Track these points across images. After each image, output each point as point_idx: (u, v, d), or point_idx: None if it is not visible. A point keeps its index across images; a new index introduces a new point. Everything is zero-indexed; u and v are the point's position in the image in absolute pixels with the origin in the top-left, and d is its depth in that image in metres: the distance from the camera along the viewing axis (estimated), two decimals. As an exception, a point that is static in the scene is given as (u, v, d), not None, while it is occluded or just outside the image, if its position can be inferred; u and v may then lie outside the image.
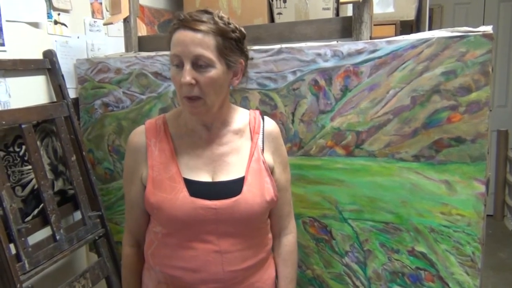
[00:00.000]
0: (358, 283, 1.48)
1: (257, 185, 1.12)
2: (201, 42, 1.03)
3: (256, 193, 1.11)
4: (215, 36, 1.04)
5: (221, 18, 1.07)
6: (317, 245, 1.52)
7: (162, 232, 1.14)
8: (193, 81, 1.03)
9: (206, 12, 1.08)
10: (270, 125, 1.23)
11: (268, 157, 1.19)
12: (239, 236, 1.12)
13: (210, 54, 1.04)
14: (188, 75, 1.02)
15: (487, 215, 1.35)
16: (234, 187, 1.11)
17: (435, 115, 1.31)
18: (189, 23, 1.04)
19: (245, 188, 1.11)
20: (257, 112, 1.24)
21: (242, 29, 1.12)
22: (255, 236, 1.17)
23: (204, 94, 1.05)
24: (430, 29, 2.67)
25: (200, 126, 1.15)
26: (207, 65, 1.04)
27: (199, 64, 1.04)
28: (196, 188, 1.10)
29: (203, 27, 1.04)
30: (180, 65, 1.05)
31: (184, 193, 1.09)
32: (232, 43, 1.09)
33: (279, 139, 1.24)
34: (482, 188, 1.28)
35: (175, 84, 1.08)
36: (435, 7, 4.23)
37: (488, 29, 1.24)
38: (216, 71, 1.05)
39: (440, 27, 1.34)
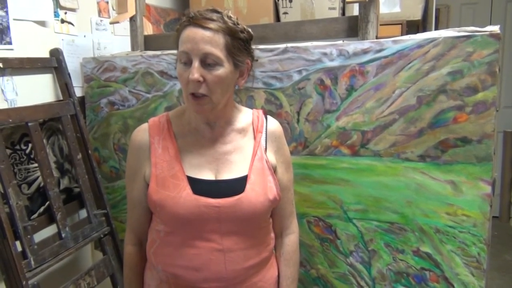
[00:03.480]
0: (362, 283, 1.47)
1: (260, 184, 1.12)
2: (211, 40, 1.03)
3: (259, 192, 1.11)
4: (224, 35, 1.05)
5: (229, 18, 1.08)
6: (321, 244, 1.51)
7: (165, 230, 1.14)
8: (201, 79, 1.03)
9: (216, 11, 1.08)
10: (273, 124, 1.23)
11: (271, 157, 1.19)
12: (242, 235, 1.12)
13: (219, 53, 1.04)
14: (196, 72, 1.03)
15: (493, 217, 1.34)
16: (237, 185, 1.11)
17: (441, 115, 1.31)
18: (199, 21, 1.05)
19: (248, 186, 1.10)
20: (261, 111, 1.24)
21: (250, 30, 1.13)
22: (258, 235, 1.17)
23: (211, 92, 1.06)
24: (436, 29, 2.66)
25: (204, 125, 1.15)
26: (215, 64, 1.04)
27: (207, 62, 1.04)
28: (199, 186, 1.10)
29: (213, 25, 1.04)
30: (188, 62, 1.05)
31: (187, 191, 1.09)
32: (240, 43, 1.09)
33: (282, 139, 1.24)
34: (488, 189, 1.28)
35: (181, 81, 1.08)
36: (442, 7, 4.21)
37: (495, 29, 1.24)
38: (224, 69, 1.06)
39: (446, 27, 1.34)
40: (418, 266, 1.39)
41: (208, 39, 1.03)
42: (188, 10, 1.09)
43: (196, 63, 1.03)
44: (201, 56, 1.03)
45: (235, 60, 1.08)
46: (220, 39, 1.04)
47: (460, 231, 1.32)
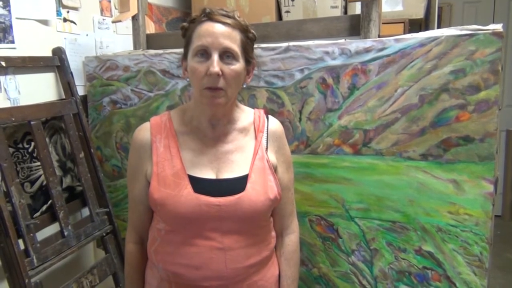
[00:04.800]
0: (364, 282, 1.47)
1: (261, 183, 1.13)
2: (230, 35, 1.07)
3: (260, 191, 1.11)
4: (239, 32, 1.09)
5: (239, 17, 1.12)
6: (323, 243, 1.52)
7: (165, 229, 1.14)
8: (220, 72, 1.05)
9: (226, 11, 1.12)
10: (274, 124, 1.24)
11: (272, 156, 1.19)
12: (243, 233, 1.12)
13: (237, 48, 1.08)
14: (217, 65, 1.04)
15: (495, 216, 1.34)
16: (238, 184, 1.11)
17: (444, 114, 1.31)
18: (217, 17, 1.08)
19: (248, 185, 1.11)
20: (262, 111, 1.25)
21: (254, 32, 1.17)
22: (258, 234, 1.17)
23: (227, 86, 1.07)
24: (439, 27, 2.66)
25: (206, 123, 1.16)
26: (233, 58, 1.07)
27: (225, 56, 1.07)
28: (200, 185, 1.10)
29: (230, 21, 1.08)
30: (205, 56, 1.07)
31: (188, 189, 1.09)
32: (250, 42, 1.14)
33: (283, 139, 1.25)
34: (490, 188, 1.28)
35: (196, 75, 1.08)
36: (444, 6, 4.21)
37: (498, 27, 1.24)
38: (240, 65, 1.09)
39: (449, 26, 1.34)
40: (420, 265, 1.39)
41: (227, 34, 1.07)
42: (203, 8, 1.12)
43: (216, 57, 1.05)
44: (221, 50, 1.06)
45: (247, 57, 1.12)
46: (237, 35, 1.09)
47: (462, 230, 1.32)
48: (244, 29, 1.11)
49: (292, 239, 1.26)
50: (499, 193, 4.07)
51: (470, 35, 1.25)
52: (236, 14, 1.12)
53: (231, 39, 1.07)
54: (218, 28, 1.07)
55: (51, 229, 1.60)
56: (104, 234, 1.73)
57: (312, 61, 1.44)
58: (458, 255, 1.34)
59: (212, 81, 1.05)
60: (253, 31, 1.15)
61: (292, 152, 1.28)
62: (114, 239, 1.77)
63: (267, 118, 1.23)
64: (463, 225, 1.32)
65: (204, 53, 1.07)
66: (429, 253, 1.37)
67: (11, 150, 1.52)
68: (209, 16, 1.09)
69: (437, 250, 1.36)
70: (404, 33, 2.07)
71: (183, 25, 1.15)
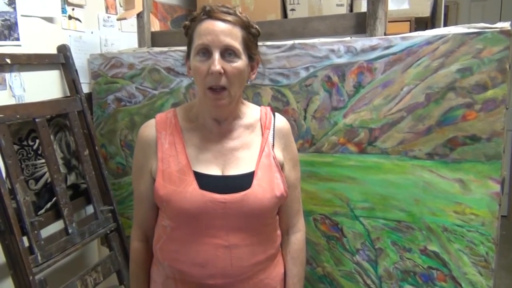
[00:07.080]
0: (369, 281, 1.47)
1: (267, 180, 1.12)
2: (231, 32, 1.06)
3: (266, 188, 1.11)
4: (241, 28, 1.08)
5: (241, 13, 1.11)
6: (328, 242, 1.51)
7: (171, 226, 1.14)
8: (222, 70, 1.04)
9: (227, 7, 1.10)
10: (281, 121, 1.23)
11: (278, 153, 1.18)
12: (248, 231, 1.12)
13: (238, 45, 1.07)
14: (218, 64, 1.04)
15: (501, 216, 1.33)
16: (243, 181, 1.10)
17: (450, 113, 1.30)
18: (217, 14, 1.07)
19: (254, 182, 1.10)
20: (268, 108, 1.24)
21: (258, 27, 1.16)
22: (264, 232, 1.16)
23: (230, 85, 1.06)
24: (445, 26, 2.64)
25: (212, 120, 1.15)
26: (234, 56, 1.06)
27: (227, 54, 1.06)
28: (205, 181, 1.10)
29: (230, 18, 1.07)
30: (206, 55, 1.06)
31: (193, 186, 1.09)
32: (252, 38, 1.13)
33: (290, 136, 1.24)
34: (497, 188, 1.26)
35: (198, 75, 1.08)
36: (451, 4, 4.18)
37: (506, 25, 1.22)
38: (242, 62, 1.08)
39: (455, 24, 1.33)
40: (425, 265, 1.38)
41: (228, 32, 1.06)
42: (203, 5, 1.11)
43: (217, 55, 1.04)
44: (222, 48, 1.05)
45: (250, 53, 1.11)
46: (238, 32, 1.07)
47: (468, 230, 1.31)
48: (245, 25, 1.10)
49: (298, 237, 1.25)
50: (505, 193, 4.05)
51: (478, 33, 1.24)
52: (238, 10, 1.11)
53: (232, 36, 1.06)
54: (218, 25, 1.06)
55: (56, 227, 1.61)
56: (108, 232, 1.73)
57: (318, 59, 1.43)
58: (463, 255, 1.33)
59: (214, 79, 1.05)
60: (256, 26, 1.14)
61: (297, 150, 1.28)
62: (118, 236, 1.77)
63: (274, 115, 1.23)
64: (469, 225, 1.31)
65: (206, 52, 1.06)
66: (435, 253, 1.36)
67: (16, 147, 1.52)
68: (209, 14, 1.08)
69: (442, 250, 1.35)
70: (410, 31, 2.06)
71: (185, 24, 1.15)
